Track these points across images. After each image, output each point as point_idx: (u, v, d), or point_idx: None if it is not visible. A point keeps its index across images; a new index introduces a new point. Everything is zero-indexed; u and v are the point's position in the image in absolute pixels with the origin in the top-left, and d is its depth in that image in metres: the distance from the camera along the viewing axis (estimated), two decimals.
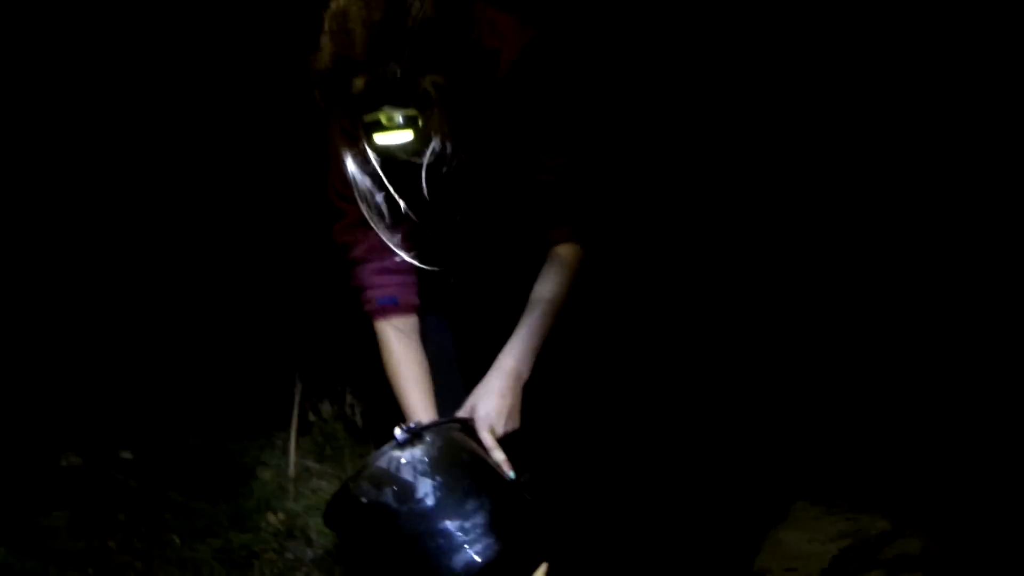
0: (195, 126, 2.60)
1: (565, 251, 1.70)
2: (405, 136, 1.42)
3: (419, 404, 1.71)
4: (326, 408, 2.31)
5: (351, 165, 1.55)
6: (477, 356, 1.88)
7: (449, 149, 1.52)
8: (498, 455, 1.57)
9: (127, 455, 2.04)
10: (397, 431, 1.49)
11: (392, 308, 1.73)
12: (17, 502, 1.80)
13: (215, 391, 2.30)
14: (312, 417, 2.29)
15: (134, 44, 2.56)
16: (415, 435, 1.49)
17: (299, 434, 2.24)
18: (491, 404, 1.61)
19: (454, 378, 1.84)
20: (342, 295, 1.81)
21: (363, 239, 1.70)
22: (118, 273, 2.47)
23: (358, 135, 1.46)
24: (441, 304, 1.86)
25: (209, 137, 2.60)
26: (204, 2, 2.57)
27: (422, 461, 1.48)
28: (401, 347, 1.74)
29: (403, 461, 1.47)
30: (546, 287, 1.68)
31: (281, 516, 1.97)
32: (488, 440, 1.58)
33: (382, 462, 1.48)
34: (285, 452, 2.18)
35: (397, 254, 1.67)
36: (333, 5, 1.43)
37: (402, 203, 1.59)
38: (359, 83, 1.38)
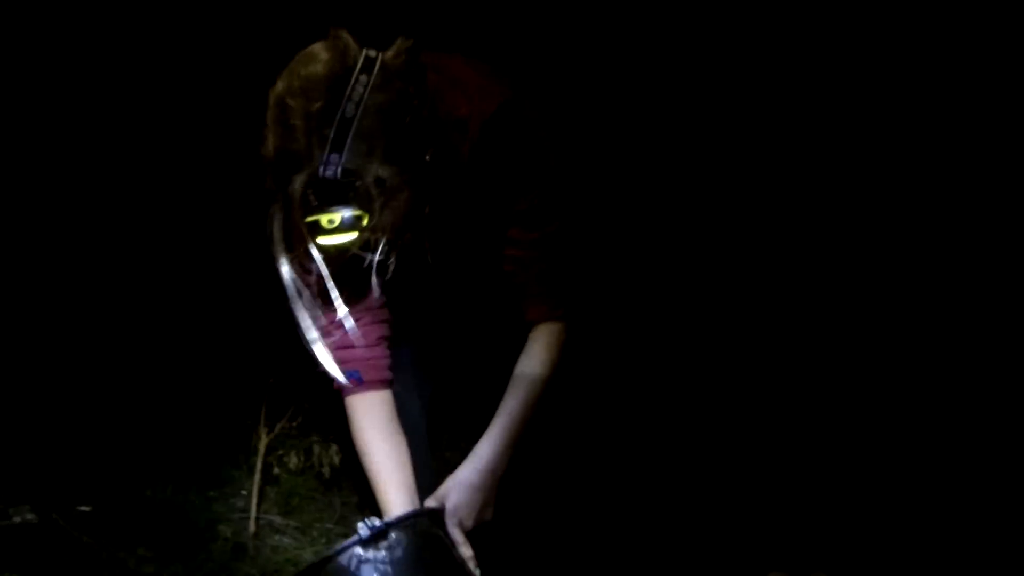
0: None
1: (545, 331, 1.63)
2: (349, 237, 1.32)
3: (395, 494, 1.60)
4: (292, 459, 2.25)
5: (286, 270, 1.42)
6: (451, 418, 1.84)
7: (402, 241, 1.45)
8: (465, 551, 1.52)
9: (85, 508, 1.97)
10: (360, 526, 1.44)
11: (357, 384, 1.63)
12: None
13: (179, 437, 2.24)
14: (277, 470, 2.24)
15: (134, 45, 2.54)
16: (380, 534, 1.45)
17: (264, 484, 2.19)
18: (463, 497, 1.54)
19: (421, 451, 1.77)
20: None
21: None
22: (73, 317, 2.42)
23: (301, 234, 1.35)
24: (413, 367, 1.81)
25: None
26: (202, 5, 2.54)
27: (384, 562, 1.43)
28: (370, 428, 1.63)
29: (364, 560, 1.43)
30: (525, 374, 1.61)
31: None
32: (456, 535, 1.52)
33: (343, 559, 1.43)
34: (248, 504, 2.13)
35: (361, 326, 1.61)
36: (275, 93, 1.33)
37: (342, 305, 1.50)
38: (299, 181, 1.29)
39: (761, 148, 2.63)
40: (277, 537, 2.10)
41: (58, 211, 2.56)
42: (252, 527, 2.08)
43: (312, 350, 1.56)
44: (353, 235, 1.32)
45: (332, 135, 1.27)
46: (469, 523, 1.55)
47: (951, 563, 1.91)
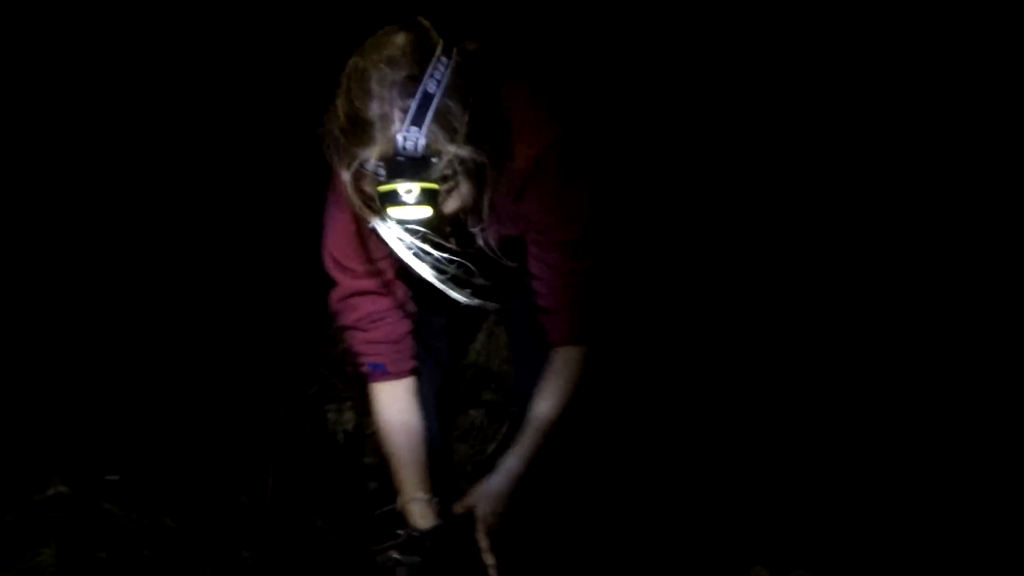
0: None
1: (566, 356, 1.72)
2: (423, 211, 1.34)
3: (410, 480, 1.74)
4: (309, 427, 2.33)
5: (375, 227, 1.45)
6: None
7: (470, 224, 1.53)
8: (489, 559, 1.65)
9: (113, 477, 2.05)
10: (399, 533, 1.64)
11: (382, 374, 1.75)
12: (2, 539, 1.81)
13: (199, 408, 2.31)
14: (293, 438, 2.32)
15: (135, 46, 2.54)
16: (415, 540, 1.63)
17: (280, 451, 2.28)
18: (490, 507, 1.68)
19: (431, 423, 1.92)
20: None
21: (355, 308, 1.71)
22: (94, 287, 2.48)
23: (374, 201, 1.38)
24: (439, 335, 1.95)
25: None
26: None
27: (417, 567, 1.62)
28: (390, 415, 1.77)
29: (400, 564, 1.62)
30: (546, 397, 1.71)
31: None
32: (483, 543, 1.66)
33: (381, 558, 1.63)
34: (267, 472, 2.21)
35: (389, 323, 1.70)
36: (352, 64, 1.35)
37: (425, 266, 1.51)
38: (376, 151, 1.30)
39: (762, 153, 2.65)
40: (293, 502, 2.19)
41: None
42: (269, 493, 2.18)
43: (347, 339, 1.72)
44: (427, 210, 1.34)
45: (414, 108, 1.29)
46: (495, 528, 1.67)
47: (937, 561, 2.00)
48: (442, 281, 1.50)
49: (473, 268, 1.57)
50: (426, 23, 1.37)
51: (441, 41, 1.34)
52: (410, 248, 1.45)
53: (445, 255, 1.49)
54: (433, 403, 1.98)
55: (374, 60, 1.32)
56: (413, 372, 1.79)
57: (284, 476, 2.26)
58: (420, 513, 1.70)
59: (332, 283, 1.73)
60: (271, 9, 2.57)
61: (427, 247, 1.47)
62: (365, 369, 1.76)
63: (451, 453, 2.27)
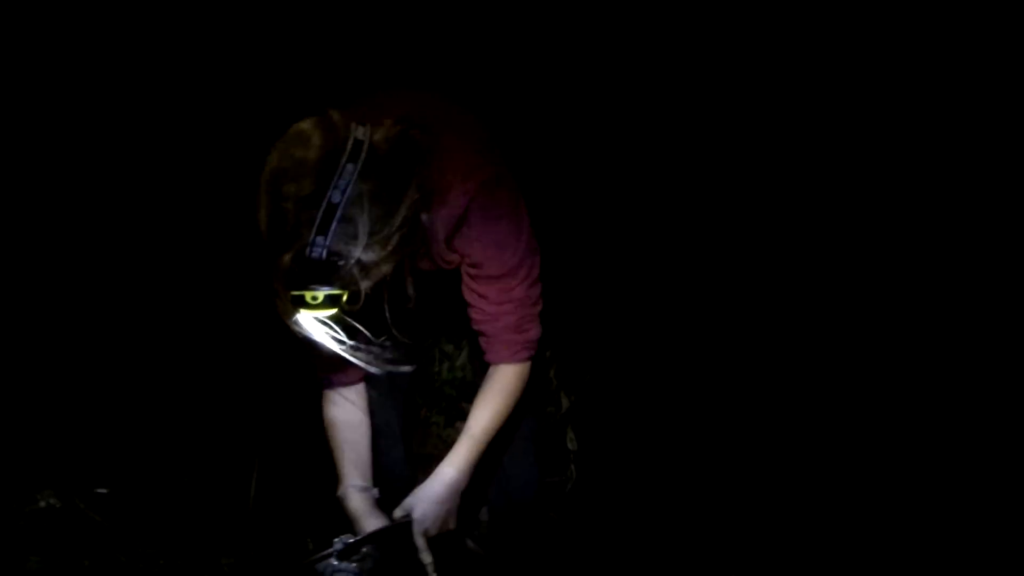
0: None
1: (505, 371, 1.80)
2: (329, 312, 1.48)
3: (350, 469, 1.84)
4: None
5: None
6: None
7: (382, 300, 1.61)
8: (425, 558, 1.75)
9: (102, 491, 2.19)
10: (336, 541, 1.69)
11: (337, 383, 1.85)
12: None
13: (187, 425, 2.45)
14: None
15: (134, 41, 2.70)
16: (353, 547, 1.68)
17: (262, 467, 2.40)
18: (427, 510, 1.76)
19: (397, 450, 2.07)
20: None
21: None
22: (88, 314, 2.63)
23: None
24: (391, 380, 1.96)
25: None
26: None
27: (356, 573, 1.68)
28: (339, 412, 1.86)
29: (339, 570, 1.68)
30: (485, 406, 1.80)
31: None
32: (420, 543, 1.75)
33: (320, 567, 1.68)
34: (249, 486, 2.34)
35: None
36: (267, 167, 1.46)
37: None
38: (286, 259, 1.43)
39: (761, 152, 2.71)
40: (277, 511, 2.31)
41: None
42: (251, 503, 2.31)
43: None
44: (333, 311, 1.48)
45: (319, 219, 1.40)
46: (433, 531, 1.77)
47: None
48: (355, 358, 1.60)
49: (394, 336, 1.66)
50: (336, 119, 1.47)
51: (351, 139, 1.45)
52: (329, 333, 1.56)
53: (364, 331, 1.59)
54: (398, 429, 2.08)
55: (285, 171, 1.43)
56: (363, 380, 1.87)
57: (269, 484, 2.38)
58: (358, 501, 1.80)
59: None
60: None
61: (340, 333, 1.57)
62: (320, 378, 1.85)
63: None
